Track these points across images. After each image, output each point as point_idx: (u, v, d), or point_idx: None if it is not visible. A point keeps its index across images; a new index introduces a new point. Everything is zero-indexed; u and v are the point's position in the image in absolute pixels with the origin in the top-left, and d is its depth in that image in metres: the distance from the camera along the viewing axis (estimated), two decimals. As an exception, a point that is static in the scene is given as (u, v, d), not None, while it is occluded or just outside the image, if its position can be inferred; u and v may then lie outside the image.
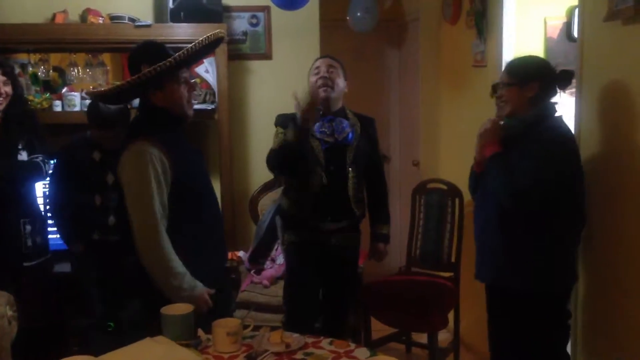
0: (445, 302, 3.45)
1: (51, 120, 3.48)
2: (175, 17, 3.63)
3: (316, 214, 2.93)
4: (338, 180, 2.91)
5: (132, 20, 3.66)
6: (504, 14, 3.32)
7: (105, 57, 3.80)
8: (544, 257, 2.37)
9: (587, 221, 2.47)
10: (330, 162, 2.89)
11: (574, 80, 2.53)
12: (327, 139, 2.92)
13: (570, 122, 2.59)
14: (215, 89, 3.75)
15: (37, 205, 3.16)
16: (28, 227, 3.00)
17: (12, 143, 2.96)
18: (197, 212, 2.30)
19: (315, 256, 2.98)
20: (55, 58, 3.80)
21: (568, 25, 3.22)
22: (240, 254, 3.72)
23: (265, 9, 4.01)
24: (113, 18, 3.69)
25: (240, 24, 4.04)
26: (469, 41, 3.69)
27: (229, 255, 3.19)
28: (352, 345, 1.99)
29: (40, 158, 3.01)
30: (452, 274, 3.57)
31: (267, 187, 4.03)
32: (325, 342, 2.02)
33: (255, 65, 4.07)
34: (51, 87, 3.69)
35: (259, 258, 3.71)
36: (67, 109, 3.59)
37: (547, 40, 3.35)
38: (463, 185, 3.25)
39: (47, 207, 3.31)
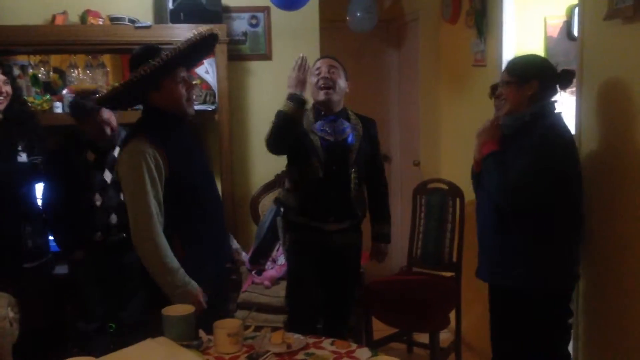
0: (447, 302, 3.45)
1: (51, 122, 3.47)
2: (175, 18, 3.64)
3: (319, 214, 2.92)
4: (340, 181, 2.91)
5: (132, 21, 3.66)
6: (504, 13, 3.32)
7: (106, 59, 3.81)
8: (540, 256, 2.37)
9: (585, 220, 2.47)
10: (332, 163, 2.89)
11: (574, 80, 2.53)
12: (327, 138, 2.92)
13: (570, 120, 2.59)
14: (216, 90, 3.75)
15: (37, 206, 3.15)
16: (28, 228, 3.00)
17: (11, 144, 2.96)
18: (196, 207, 2.37)
19: (317, 257, 2.98)
20: (55, 59, 3.81)
21: (568, 24, 3.22)
22: (242, 254, 3.72)
23: (265, 10, 4.01)
24: (113, 19, 3.69)
25: (240, 24, 4.04)
26: (468, 41, 3.69)
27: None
28: (354, 346, 1.99)
29: (40, 159, 3.00)
30: (453, 273, 3.57)
31: (267, 188, 4.03)
32: (326, 342, 2.02)
33: (255, 66, 4.07)
34: (51, 89, 3.69)
35: (260, 259, 3.70)
36: (68, 110, 3.58)
37: (547, 39, 3.35)
38: (464, 184, 3.25)
39: (44, 212, 3.20)
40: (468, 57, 3.72)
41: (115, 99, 2.39)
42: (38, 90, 3.65)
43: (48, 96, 3.61)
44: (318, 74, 2.94)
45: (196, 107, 3.24)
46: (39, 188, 3.24)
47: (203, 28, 3.48)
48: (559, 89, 2.46)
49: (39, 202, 3.20)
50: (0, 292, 2.64)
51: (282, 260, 3.64)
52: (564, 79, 2.44)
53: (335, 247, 2.97)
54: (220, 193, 3.40)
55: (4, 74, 2.91)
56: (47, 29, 3.63)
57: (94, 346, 3.02)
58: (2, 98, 2.89)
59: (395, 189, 5.21)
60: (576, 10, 2.84)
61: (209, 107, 3.75)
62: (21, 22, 3.61)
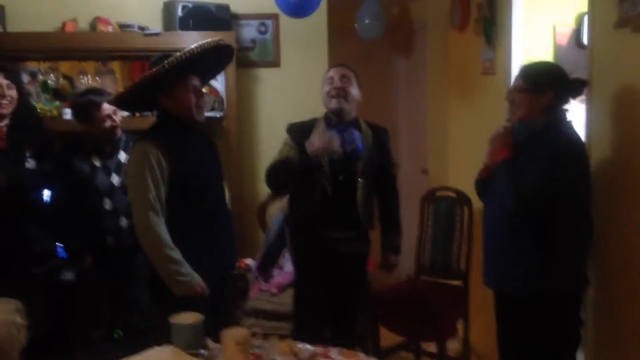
0: (455, 311, 3.43)
1: (61, 128, 3.48)
2: (184, 25, 3.65)
3: (324, 223, 2.92)
4: (346, 191, 2.90)
5: (141, 28, 3.68)
6: (513, 21, 3.31)
7: (115, 65, 3.82)
8: (550, 262, 2.36)
9: (593, 227, 2.46)
10: (339, 172, 2.87)
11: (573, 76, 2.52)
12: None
13: (580, 129, 2.58)
14: (224, 97, 3.76)
15: (45, 211, 3.15)
16: (36, 233, 3.00)
17: (19, 150, 2.96)
18: (198, 210, 2.47)
19: (324, 264, 2.97)
20: (65, 66, 3.82)
21: (577, 32, 3.22)
22: (249, 261, 3.72)
23: (274, 17, 4.02)
24: (122, 26, 3.71)
25: (249, 31, 4.05)
26: (477, 48, 3.68)
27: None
28: (362, 356, 1.98)
29: (48, 165, 3.01)
30: (461, 282, 3.55)
31: (275, 195, 4.02)
32: (334, 352, 2.02)
33: (264, 73, 4.08)
34: (61, 95, 3.70)
35: (267, 266, 3.72)
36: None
37: (556, 48, 3.34)
38: (472, 192, 3.23)
39: (51, 218, 3.22)
40: (477, 65, 3.71)
41: (127, 99, 2.52)
42: (48, 96, 3.66)
43: (57, 102, 3.62)
44: (330, 83, 2.93)
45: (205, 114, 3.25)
46: (47, 194, 3.25)
47: (212, 35, 3.55)
48: (570, 98, 2.45)
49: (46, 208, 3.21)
50: (8, 297, 2.64)
51: (289, 267, 3.63)
52: (576, 88, 2.44)
53: (341, 254, 2.96)
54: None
55: (7, 78, 2.91)
56: (57, 36, 3.65)
57: (101, 354, 3.03)
58: (6, 102, 2.89)
59: (403, 197, 5.12)
60: (585, 18, 2.83)
61: (217, 114, 3.76)
62: (31, 29, 3.64)
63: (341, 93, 2.89)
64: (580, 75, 2.53)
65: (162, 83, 2.41)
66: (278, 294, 3.58)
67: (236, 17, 3.96)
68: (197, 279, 2.40)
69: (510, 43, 3.33)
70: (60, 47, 3.58)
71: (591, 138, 2.59)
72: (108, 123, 3.06)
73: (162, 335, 1.98)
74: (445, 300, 3.43)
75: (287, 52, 4.09)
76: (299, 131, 2.96)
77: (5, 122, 2.92)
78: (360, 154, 2.91)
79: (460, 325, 3.54)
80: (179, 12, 3.65)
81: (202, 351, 1.94)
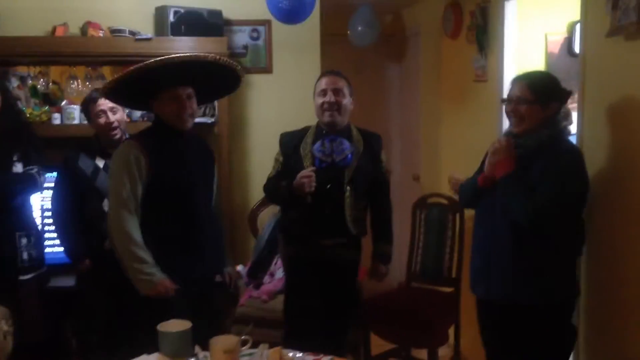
0: (446, 318, 3.42)
1: (50, 134, 3.46)
2: (176, 30, 3.63)
3: (312, 230, 2.91)
4: (335, 199, 2.88)
5: (132, 33, 3.65)
6: (505, 29, 3.32)
7: (105, 70, 3.79)
8: (555, 273, 2.37)
9: (585, 234, 2.46)
10: (327, 181, 2.85)
11: (575, 96, 2.52)
12: (325, 159, 2.89)
13: (571, 137, 2.58)
14: (215, 103, 3.74)
15: (33, 218, 3.12)
16: (24, 240, 2.97)
17: (6, 155, 2.93)
18: (175, 213, 2.52)
19: (314, 271, 2.96)
20: (55, 71, 3.79)
21: (569, 40, 3.23)
22: (239, 268, 3.70)
23: (266, 23, 4.01)
24: (113, 31, 3.68)
25: (241, 37, 4.04)
26: (470, 56, 3.69)
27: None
28: (352, 364, 1.96)
29: (36, 170, 2.96)
30: (452, 289, 3.54)
31: (266, 202, 4.01)
32: (325, 359, 1.99)
33: (256, 79, 4.06)
34: (50, 100, 3.67)
35: (258, 272, 3.69)
36: (67, 121, 3.57)
37: (548, 55, 3.34)
38: (464, 200, 3.23)
39: (53, 222, 3.19)
40: (469, 73, 3.72)
41: (117, 93, 2.57)
42: (37, 101, 3.63)
43: (47, 107, 3.59)
44: (323, 95, 2.90)
45: (195, 120, 3.23)
46: (36, 199, 3.21)
47: (204, 41, 3.54)
48: None
49: (36, 213, 3.18)
50: (-5, 304, 2.61)
51: (280, 273, 3.61)
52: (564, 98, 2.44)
53: (331, 261, 2.94)
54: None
55: None
56: (47, 40, 3.62)
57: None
58: None
59: (395, 203, 5.14)
60: (577, 26, 2.84)
61: (209, 120, 3.74)
62: (21, 33, 3.60)
63: (334, 107, 2.87)
64: (572, 83, 2.54)
65: (146, 86, 2.48)
66: (268, 300, 3.56)
67: (228, 22, 3.95)
68: (159, 279, 2.42)
69: (502, 51, 3.33)
70: (51, 52, 3.54)
71: (583, 145, 2.59)
72: (103, 119, 3.04)
73: (150, 344, 1.96)
74: (437, 307, 3.42)
75: (279, 59, 4.08)
76: (288, 142, 2.98)
77: None
78: (349, 164, 2.90)
79: (451, 332, 3.53)
80: (171, 18, 3.63)
81: (190, 359, 1.91)
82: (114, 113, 3.04)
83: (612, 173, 2.40)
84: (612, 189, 2.39)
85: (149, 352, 1.93)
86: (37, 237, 3.09)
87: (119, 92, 2.58)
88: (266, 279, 3.67)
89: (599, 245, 2.47)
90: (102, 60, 3.65)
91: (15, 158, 2.95)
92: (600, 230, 2.46)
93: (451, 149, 4.15)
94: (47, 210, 3.34)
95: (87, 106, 3.09)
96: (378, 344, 3.54)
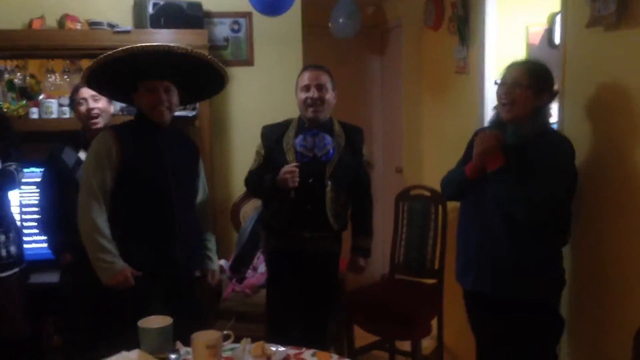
0: (429, 309, 3.43)
1: (27, 128, 3.41)
2: (155, 23, 3.59)
3: (293, 224, 2.90)
4: (316, 193, 2.87)
5: (111, 26, 3.61)
6: (486, 21, 3.31)
7: (84, 64, 3.71)
8: (546, 265, 2.38)
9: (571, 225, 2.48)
10: (309, 176, 2.84)
11: (555, 87, 2.52)
12: (306, 154, 2.88)
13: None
14: (196, 96, 3.71)
15: (12, 214, 3.08)
16: (2, 237, 2.93)
17: None
18: (146, 204, 2.53)
19: (296, 264, 2.95)
20: (33, 65, 3.74)
21: (549, 32, 3.23)
22: (222, 262, 3.68)
23: (247, 15, 3.98)
24: (92, 24, 3.63)
25: (222, 30, 4.01)
26: (451, 47, 3.68)
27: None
28: (335, 357, 1.96)
29: (14, 166, 2.93)
30: (435, 280, 3.55)
31: (248, 195, 3.99)
32: (307, 353, 1.99)
33: (237, 72, 4.03)
34: (28, 94, 3.62)
35: (240, 266, 3.67)
36: (44, 116, 3.52)
37: (529, 47, 3.35)
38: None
39: (39, 217, 3.16)
40: (450, 64, 3.72)
41: (99, 82, 2.58)
42: (14, 95, 3.57)
43: (24, 102, 3.54)
44: (306, 91, 2.88)
45: (176, 113, 3.20)
46: (15, 196, 3.16)
47: (184, 34, 3.50)
48: None
49: (14, 210, 3.13)
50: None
51: (263, 268, 3.60)
52: None
53: (312, 254, 2.94)
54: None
55: None
56: (24, 34, 3.57)
57: (77, 358, 2.96)
58: None
59: (378, 196, 5.17)
60: (558, 17, 2.84)
61: (190, 113, 3.71)
62: (-3, 26, 3.55)
63: (317, 102, 2.86)
64: (553, 74, 2.53)
65: (127, 78, 2.51)
66: (251, 295, 3.55)
67: (209, 15, 3.91)
68: (119, 267, 2.44)
69: (483, 42, 3.34)
70: (28, 45, 3.48)
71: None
72: (83, 107, 3.02)
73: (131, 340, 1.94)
74: (420, 299, 3.42)
75: (260, 51, 4.05)
76: (270, 135, 2.97)
77: None
78: (330, 159, 2.89)
79: (434, 324, 3.54)
80: (150, 10, 3.59)
81: (171, 355, 1.90)
82: (95, 101, 3.02)
83: (593, 163, 2.41)
84: (594, 179, 2.40)
85: (129, 348, 1.91)
86: (16, 234, 3.05)
87: (101, 82, 2.59)
88: (249, 273, 3.66)
89: (584, 236, 2.48)
90: (80, 53, 3.59)
91: None
92: (585, 220, 2.47)
93: (433, 140, 4.15)
94: (26, 206, 3.30)
95: (72, 96, 3.10)
96: (361, 336, 3.54)
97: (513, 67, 2.42)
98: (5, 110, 3.41)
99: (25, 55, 3.62)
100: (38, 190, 3.16)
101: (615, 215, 2.28)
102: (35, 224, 3.23)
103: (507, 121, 2.40)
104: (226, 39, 4.01)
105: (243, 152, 3.00)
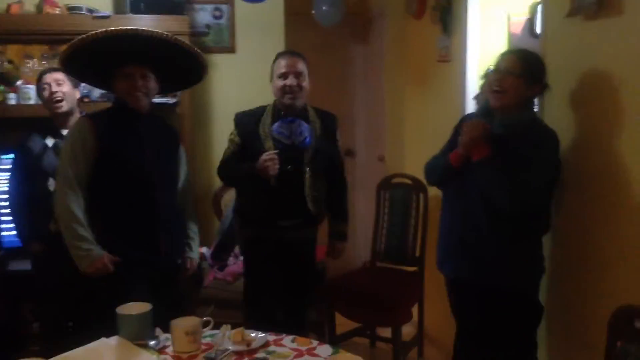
0: (410, 297, 3.46)
1: (5, 114, 3.37)
2: (136, 8, 3.56)
3: (271, 212, 2.89)
4: (295, 181, 2.87)
5: (90, 11, 3.57)
6: (469, 10, 3.32)
7: (63, 49, 3.68)
8: (526, 255, 2.41)
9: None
10: (287, 162, 2.83)
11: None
12: (284, 141, 2.87)
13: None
14: (178, 83, 3.67)
15: None
16: None
17: None
18: (124, 191, 2.51)
19: (272, 251, 2.95)
20: (11, 50, 3.68)
21: (531, 21, 3.24)
22: (204, 250, 3.67)
23: (229, 2, 3.96)
24: (71, 9, 3.59)
25: (203, 16, 3.98)
26: (434, 36, 3.69)
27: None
28: (315, 343, 1.96)
29: None
30: (416, 268, 3.57)
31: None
32: (287, 339, 2.00)
33: (219, 59, 4.01)
34: (6, 80, 3.57)
35: (222, 254, 3.68)
36: (22, 102, 3.48)
37: (511, 36, 3.36)
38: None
39: (8, 204, 3.15)
40: (433, 53, 3.72)
41: (75, 66, 2.57)
42: (-8, 81, 3.53)
43: (2, 87, 3.49)
44: (283, 78, 2.85)
45: (157, 100, 3.18)
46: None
47: (165, 20, 3.47)
48: None
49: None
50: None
51: (244, 255, 3.60)
52: None
53: (288, 242, 2.94)
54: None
55: None
56: (2, 19, 3.52)
57: (52, 346, 2.94)
58: None
59: (360, 184, 5.21)
60: (539, 7, 2.85)
61: (171, 100, 3.68)
62: (-26, 11, 3.49)
63: (295, 90, 2.85)
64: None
65: (104, 64, 2.49)
66: (233, 282, 3.55)
67: (190, 1, 3.88)
68: (97, 255, 2.42)
69: (465, 31, 3.34)
70: (5, 30, 3.45)
71: (543, 125, 2.62)
72: (47, 92, 3.02)
73: (111, 326, 1.93)
74: (401, 287, 3.45)
75: (242, 38, 4.03)
76: (245, 122, 2.94)
77: None
78: (307, 146, 2.89)
79: (415, 310, 3.57)
80: (131, -5, 3.55)
81: (150, 342, 1.89)
82: (58, 85, 3.02)
83: (573, 151, 2.43)
84: (574, 167, 2.42)
85: (108, 335, 1.90)
86: None
87: (79, 68, 2.58)
88: (230, 260, 3.66)
89: (564, 225, 2.50)
90: (59, 38, 3.54)
91: None
92: (565, 209, 2.49)
93: (416, 129, 4.16)
94: (2, 193, 3.27)
95: (38, 82, 3.09)
96: (342, 323, 3.56)
97: (507, 55, 2.42)
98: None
99: (4, 41, 3.57)
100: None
101: (594, 203, 2.30)
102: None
103: (495, 109, 2.40)
104: (208, 26, 3.98)
105: (224, 139, 2.98)
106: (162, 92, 2.78)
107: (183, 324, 1.89)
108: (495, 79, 2.37)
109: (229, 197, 3.87)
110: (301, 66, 2.89)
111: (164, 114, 3.70)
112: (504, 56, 2.43)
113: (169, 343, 1.92)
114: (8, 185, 3.11)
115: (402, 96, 4.36)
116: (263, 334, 1.99)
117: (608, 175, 2.22)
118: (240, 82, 4.00)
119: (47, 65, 3.56)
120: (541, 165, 2.29)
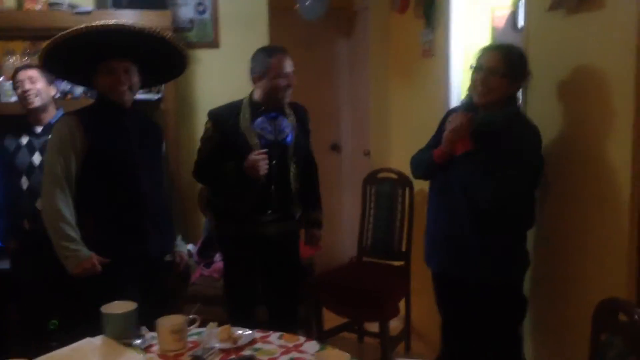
0: (397, 291, 3.47)
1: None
2: (118, 3, 3.52)
3: (256, 208, 2.88)
4: (280, 176, 2.87)
5: (71, 6, 3.52)
6: (452, 4, 3.32)
7: (44, 45, 3.64)
8: (511, 250, 2.42)
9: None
10: (272, 158, 2.81)
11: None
12: (269, 137, 2.86)
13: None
14: (161, 79, 3.65)
15: None
16: None
17: None
18: (112, 189, 2.48)
19: (253, 247, 2.94)
20: (-8, 46, 3.64)
21: (513, 14, 3.25)
22: (190, 247, 3.65)
23: (213, -4, 3.92)
24: (51, 4, 3.54)
25: (187, 11, 3.94)
26: (417, 30, 3.69)
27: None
28: (302, 339, 1.96)
29: None
30: (403, 262, 3.59)
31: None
32: (274, 336, 2.00)
33: (202, 54, 3.98)
34: (-15, 77, 3.52)
35: (208, 251, 3.66)
36: (4, 99, 3.44)
37: (493, 30, 3.37)
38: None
39: None
40: (417, 47, 3.72)
41: (55, 64, 2.54)
42: (-28, 78, 3.48)
43: (-17, 84, 3.45)
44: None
45: (140, 96, 3.16)
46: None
47: (148, 15, 3.44)
48: None
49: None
50: None
51: (231, 252, 3.58)
52: None
53: (271, 236, 2.93)
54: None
55: None
56: (-20, 14, 3.46)
57: (37, 344, 2.92)
58: None
59: (345, 179, 5.21)
60: (522, 1, 2.86)
61: (155, 96, 3.65)
62: (-47, 7, 3.44)
63: (292, 87, 2.86)
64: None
65: (85, 60, 2.46)
66: (219, 279, 3.53)
67: (173, -5, 3.84)
68: (85, 256, 2.39)
69: (449, 25, 3.34)
70: (-15, 27, 3.39)
71: (527, 119, 2.63)
72: (19, 89, 3.01)
73: (95, 326, 1.91)
74: (388, 281, 3.46)
75: (226, 33, 4.00)
76: (224, 119, 2.88)
77: None
78: (290, 143, 2.89)
79: (402, 305, 3.58)
80: (112, -10, 3.52)
81: (136, 341, 1.88)
82: (32, 82, 3.01)
83: (555, 145, 2.44)
84: (557, 161, 2.44)
85: (93, 334, 1.88)
86: None
87: (60, 65, 2.54)
88: (217, 257, 3.64)
89: (548, 219, 2.52)
90: (40, 34, 3.49)
91: None
92: (549, 203, 2.51)
93: (400, 123, 4.17)
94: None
95: (12, 79, 3.09)
96: (330, 318, 3.57)
97: (489, 52, 2.40)
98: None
99: (-16, 37, 3.52)
100: None
101: (577, 196, 2.32)
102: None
103: (479, 105, 2.40)
104: (191, 21, 3.95)
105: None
106: (143, 86, 2.75)
107: (169, 322, 1.88)
108: (479, 79, 2.37)
109: (215, 193, 3.85)
110: (292, 63, 2.88)
111: (148, 110, 3.69)
112: (485, 51, 2.42)
113: (154, 342, 1.91)
114: None
115: (387, 91, 4.36)
116: (250, 332, 1.99)
117: (591, 168, 2.24)
118: (224, 76, 3.97)
119: (28, 61, 3.52)
120: (523, 166, 2.30)
